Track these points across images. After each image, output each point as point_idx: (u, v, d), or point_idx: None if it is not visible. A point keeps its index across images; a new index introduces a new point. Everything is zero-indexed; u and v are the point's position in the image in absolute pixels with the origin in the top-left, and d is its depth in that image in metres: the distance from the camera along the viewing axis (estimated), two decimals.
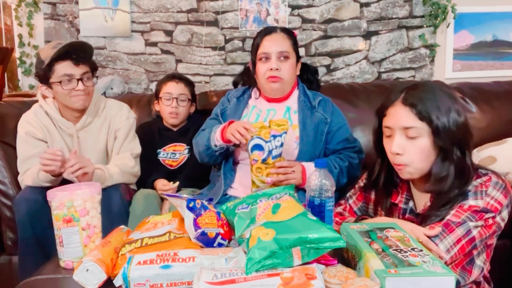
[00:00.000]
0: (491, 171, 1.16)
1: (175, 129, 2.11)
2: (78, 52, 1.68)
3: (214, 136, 1.59)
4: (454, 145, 1.13)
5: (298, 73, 1.75)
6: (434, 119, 1.12)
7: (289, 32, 1.71)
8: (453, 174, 1.14)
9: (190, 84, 2.13)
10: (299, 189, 1.53)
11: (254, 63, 1.71)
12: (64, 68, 1.66)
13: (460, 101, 1.27)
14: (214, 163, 1.75)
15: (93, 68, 1.78)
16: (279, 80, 1.64)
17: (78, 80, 1.69)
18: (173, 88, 2.05)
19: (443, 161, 1.14)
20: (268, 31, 1.69)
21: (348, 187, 1.59)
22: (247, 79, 1.83)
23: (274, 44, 1.64)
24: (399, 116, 1.16)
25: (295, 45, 1.70)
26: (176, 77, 2.12)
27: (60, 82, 1.67)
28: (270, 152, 1.44)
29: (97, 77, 1.79)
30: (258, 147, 1.45)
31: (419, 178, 1.20)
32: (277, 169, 1.46)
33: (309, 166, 1.56)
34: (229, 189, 1.67)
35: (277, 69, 1.62)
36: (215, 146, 1.59)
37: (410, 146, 1.14)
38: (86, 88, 1.71)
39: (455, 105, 1.16)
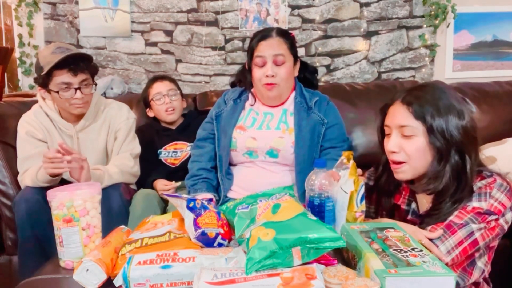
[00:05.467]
0: (496, 172, 1.15)
1: (174, 128, 2.11)
2: (77, 62, 1.66)
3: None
4: (451, 147, 1.12)
5: (296, 74, 1.70)
6: (429, 119, 1.12)
7: (285, 35, 1.64)
8: (449, 175, 1.12)
9: (173, 80, 2.17)
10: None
11: (250, 67, 1.67)
12: (62, 77, 1.65)
13: (467, 105, 1.21)
14: None
15: (93, 73, 1.75)
16: (275, 86, 1.59)
17: (76, 89, 1.67)
18: (160, 87, 2.09)
19: (439, 162, 1.14)
20: (264, 35, 1.62)
21: None
22: (244, 80, 1.77)
23: (269, 48, 1.59)
24: (396, 114, 1.17)
25: (292, 48, 1.64)
26: (157, 77, 2.17)
27: (58, 91, 1.66)
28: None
29: (95, 84, 1.76)
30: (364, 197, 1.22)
31: (418, 178, 1.19)
32: None
33: None
34: (229, 192, 1.65)
35: (273, 75, 1.58)
36: None
37: (405, 145, 1.15)
38: (84, 97, 1.70)
39: (459, 108, 1.15)
